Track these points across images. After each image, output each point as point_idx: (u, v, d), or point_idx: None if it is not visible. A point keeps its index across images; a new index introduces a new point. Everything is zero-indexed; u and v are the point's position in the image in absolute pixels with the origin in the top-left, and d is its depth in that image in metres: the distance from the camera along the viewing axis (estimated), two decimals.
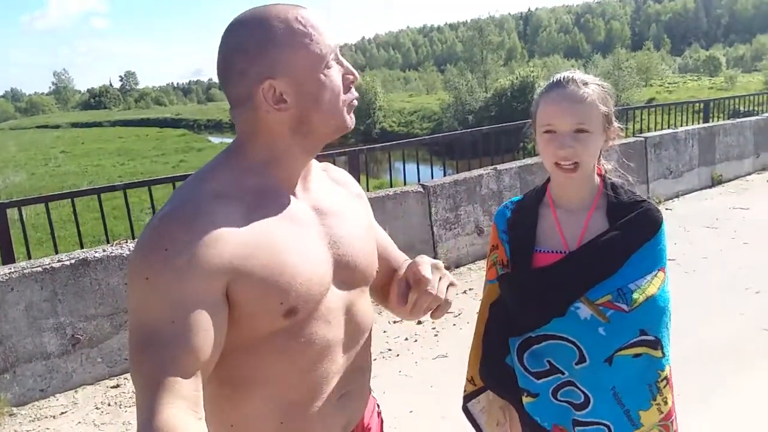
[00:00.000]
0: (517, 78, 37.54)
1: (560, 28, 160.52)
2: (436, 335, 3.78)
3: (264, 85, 0.90)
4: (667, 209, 6.37)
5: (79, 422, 3.06)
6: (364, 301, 1.08)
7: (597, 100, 1.19)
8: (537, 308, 1.25)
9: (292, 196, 0.98)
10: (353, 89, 0.99)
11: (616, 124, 1.25)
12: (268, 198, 0.94)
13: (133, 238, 4.03)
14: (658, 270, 1.23)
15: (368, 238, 1.10)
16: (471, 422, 1.46)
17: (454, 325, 3.92)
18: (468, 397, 1.45)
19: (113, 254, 3.41)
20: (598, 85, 1.23)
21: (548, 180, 1.33)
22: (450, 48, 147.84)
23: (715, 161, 7.55)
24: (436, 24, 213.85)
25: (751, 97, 10.92)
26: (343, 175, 1.16)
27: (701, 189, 7.33)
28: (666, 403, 1.21)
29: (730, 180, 7.67)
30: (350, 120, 0.99)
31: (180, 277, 0.82)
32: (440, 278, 1.01)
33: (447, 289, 1.02)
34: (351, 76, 0.97)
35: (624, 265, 1.21)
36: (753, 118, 8.27)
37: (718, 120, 9.02)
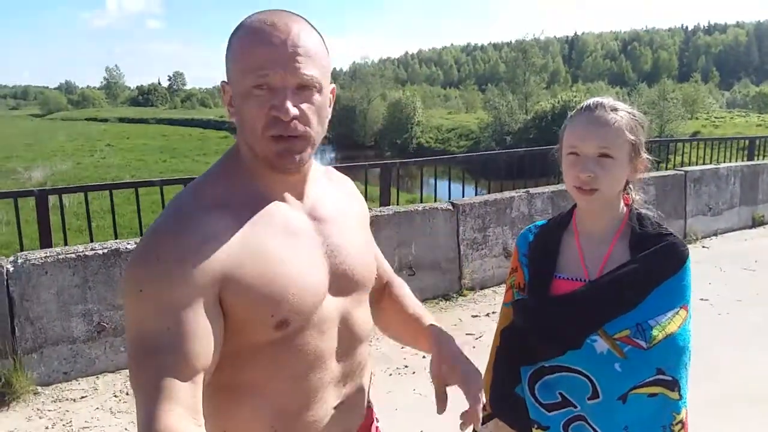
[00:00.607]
0: (558, 102, 37.16)
1: (606, 54, 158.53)
2: None
3: (224, 85, 0.96)
4: (704, 247, 6.20)
5: (97, 408, 3.13)
6: (361, 309, 1.07)
7: (624, 127, 1.17)
8: (553, 339, 1.23)
9: (287, 205, 0.97)
10: (280, 126, 0.89)
11: (645, 155, 1.22)
12: (262, 208, 0.94)
13: None
14: (680, 307, 1.19)
15: (367, 245, 1.10)
16: None
17: (474, 347, 3.87)
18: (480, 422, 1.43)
19: None
20: (629, 113, 1.20)
21: (575, 206, 1.31)
22: (492, 68, 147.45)
23: (757, 201, 7.31)
24: (480, 43, 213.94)
25: None
26: (342, 179, 1.16)
27: (741, 229, 7.10)
28: None
29: None
30: (275, 155, 0.91)
31: (173, 286, 0.83)
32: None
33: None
34: (274, 113, 0.89)
35: (645, 300, 1.18)
36: None
37: (763, 158, 8.75)
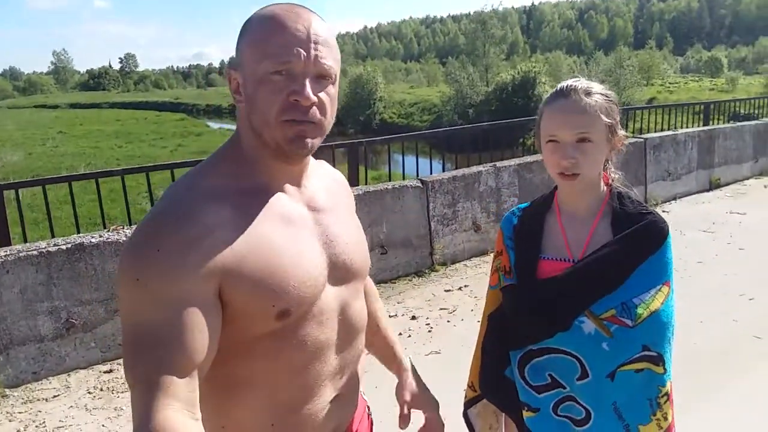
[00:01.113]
0: (518, 73, 37.38)
1: (563, 24, 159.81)
2: (429, 331, 3.80)
3: (231, 71, 0.95)
4: (664, 212, 6.38)
5: (71, 406, 3.06)
6: (359, 299, 1.08)
7: (600, 110, 1.19)
8: (542, 321, 1.24)
9: (286, 196, 0.97)
10: (298, 111, 0.90)
11: (621, 133, 1.24)
12: (262, 198, 0.94)
13: (130, 224, 4.02)
14: (663, 284, 1.22)
15: (362, 234, 1.11)
16: (468, 427, 1.46)
17: (448, 321, 3.93)
18: (468, 404, 1.45)
19: (109, 240, 3.40)
20: (602, 95, 1.21)
21: (556, 187, 1.33)
22: (452, 40, 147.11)
23: (713, 164, 7.56)
24: (439, 15, 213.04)
25: (752, 101, 10.92)
26: (332, 170, 1.17)
27: (699, 192, 7.35)
28: (666, 418, 1.21)
29: (728, 184, 7.69)
30: (287, 140, 0.91)
31: (172, 277, 0.81)
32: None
33: None
34: (294, 98, 0.89)
35: (629, 278, 1.20)
36: (753, 123, 8.27)
37: (718, 122, 9.02)
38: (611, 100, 1.22)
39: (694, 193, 7.29)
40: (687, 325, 3.56)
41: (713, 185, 7.51)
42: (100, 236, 3.41)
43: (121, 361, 3.45)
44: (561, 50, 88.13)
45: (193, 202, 0.88)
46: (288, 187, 0.98)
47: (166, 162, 4.63)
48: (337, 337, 1.01)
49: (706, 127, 7.95)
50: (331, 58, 0.92)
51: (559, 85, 1.24)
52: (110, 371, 3.38)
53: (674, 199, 7.06)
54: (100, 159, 22.86)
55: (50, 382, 3.26)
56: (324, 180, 1.08)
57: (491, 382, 1.37)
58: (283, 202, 0.96)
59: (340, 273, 1.01)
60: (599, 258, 1.22)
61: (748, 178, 7.99)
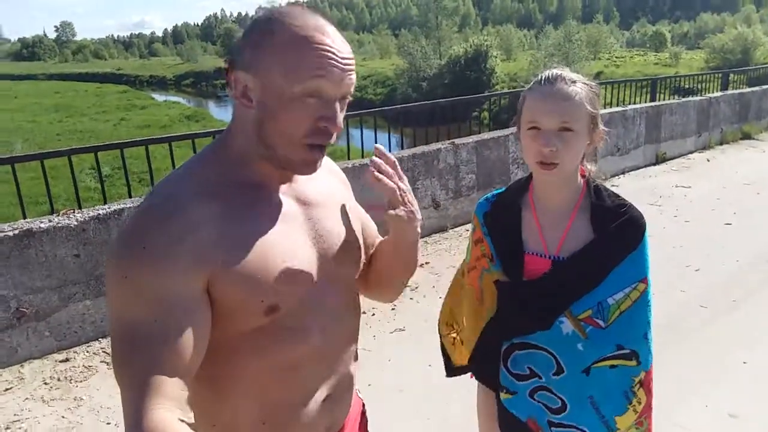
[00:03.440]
0: (471, 46, 37.52)
1: None
2: (393, 309, 3.83)
3: (238, 73, 0.89)
4: (613, 186, 6.60)
5: (27, 398, 2.95)
6: (350, 296, 1.07)
7: (584, 99, 1.17)
8: (524, 320, 1.26)
9: (275, 191, 0.96)
10: (325, 136, 0.90)
11: (601, 126, 1.23)
12: (252, 194, 0.93)
13: (79, 207, 3.85)
14: (639, 281, 1.23)
15: (356, 229, 1.08)
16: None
17: (411, 299, 3.98)
18: (458, 370, 1.49)
19: (60, 225, 3.25)
20: (586, 84, 1.20)
21: (530, 177, 1.31)
22: (405, 11, 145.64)
23: (660, 139, 7.84)
24: None
25: (695, 76, 11.35)
26: (330, 162, 1.15)
27: (646, 166, 7.62)
28: (640, 402, 1.25)
29: (673, 158, 8.00)
30: (303, 162, 0.91)
31: (160, 274, 0.81)
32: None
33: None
34: (323, 124, 0.89)
35: (607, 277, 1.21)
36: (696, 98, 8.60)
37: (663, 97, 9.34)
38: (594, 91, 1.21)
39: (641, 167, 7.56)
40: None
41: (660, 159, 7.81)
42: (50, 221, 3.25)
43: (78, 348, 3.35)
44: (512, 23, 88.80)
45: (181, 197, 0.87)
46: (278, 182, 0.97)
47: (117, 141, 4.42)
48: (327, 334, 1.00)
49: (653, 103, 8.20)
50: (354, 77, 0.92)
51: (543, 73, 1.22)
52: (67, 360, 3.27)
53: (623, 173, 7.30)
54: (39, 134, 21.72)
55: (1, 375, 3.13)
56: (318, 173, 1.05)
57: (482, 367, 1.40)
58: (272, 198, 0.95)
59: (331, 268, 1.00)
60: (581, 258, 1.22)
61: (692, 152, 8.34)
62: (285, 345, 0.94)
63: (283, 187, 0.97)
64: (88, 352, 3.34)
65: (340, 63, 0.88)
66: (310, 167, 0.93)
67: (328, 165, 1.13)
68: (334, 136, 0.92)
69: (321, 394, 1.01)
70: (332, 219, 1.02)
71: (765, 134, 9.60)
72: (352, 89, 0.93)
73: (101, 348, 3.38)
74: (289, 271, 0.91)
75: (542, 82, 1.20)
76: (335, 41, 0.89)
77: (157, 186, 0.91)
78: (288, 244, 0.93)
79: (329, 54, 0.87)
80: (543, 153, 1.17)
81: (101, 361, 3.25)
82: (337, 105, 0.90)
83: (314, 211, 1.00)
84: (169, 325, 0.80)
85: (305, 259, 0.95)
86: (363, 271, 1.12)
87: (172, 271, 0.81)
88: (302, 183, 1.00)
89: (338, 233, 1.02)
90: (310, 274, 0.96)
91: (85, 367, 3.20)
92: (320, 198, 1.02)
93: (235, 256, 0.86)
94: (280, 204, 0.95)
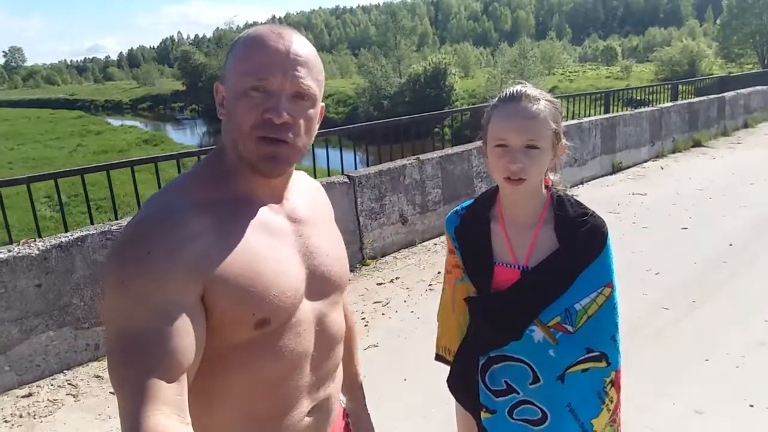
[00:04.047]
0: (430, 64, 38.14)
1: (470, 16, 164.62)
2: (366, 325, 3.83)
3: (218, 85, 0.97)
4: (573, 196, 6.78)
5: None
6: (336, 312, 1.09)
7: (548, 117, 1.21)
8: (496, 331, 1.29)
9: (267, 207, 0.98)
10: (272, 128, 0.91)
11: (564, 140, 1.26)
12: (243, 208, 0.95)
13: (39, 236, 3.74)
14: (605, 286, 1.28)
15: (341, 246, 1.12)
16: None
17: (383, 314, 3.99)
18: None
19: (20, 255, 3.15)
20: (549, 101, 1.24)
21: (497, 189, 1.33)
22: (363, 31, 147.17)
23: (615, 149, 8.11)
24: (349, 6, 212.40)
25: (645, 88, 11.84)
26: (314, 181, 1.18)
27: (603, 176, 7.87)
28: (612, 401, 1.30)
29: (629, 167, 8.29)
30: (259, 158, 0.92)
31: (158, 281, 0.81)
32: None
33: None
34: (268, 116, 0.91)
35: (573, 284, 1.25)
36: (648, 109, 8.95)
37: (616, 109, 9.68)
38: (557, 107, 1.25)
39: (599, 177, 7.80)
40: None
41: (616, 168, 8.07)
42: (9, 251, 3.16)
43: (41, 383, 3.23)
44: (468, 42, 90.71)
45: (177, 208, 0.88)
46: (269, 198, 0.99)
47: (79, 167, 4.32)
48: (315, 349, 1.01)
49: (608, 115, 8.50)
50: (310, 78, 0.94)
51: (507, 90, 1.25)
52: (29, 395, 3.15)
53: (581, 183, 7.51)
54: None
55: None
56: (306, 192, 1.09)
57: (459, 385, 1.42)
58: (264, 213, 0.97)
59: (318, 285, 1.02)
60: (547, 267, 1.25)
61: (646, 161, 8.66)
62: (273, 360, 0.95)
63: (275, 205, 1.00)
64: (52, 385, 3.23)
65: (284, 57, 0.91)
66: (269, 162, 0.93)
67: (314, 184, 1.17)
68: (288, 132, 0.92)
69: (307, 406, 1.02)
70: (321, 236, 1.05)
71: (714, 141, 10.04)
72: (304, 87, 0.93)
73: (66, 380, 3.27)
74: (280, 286, 0.93)
75: (506, 99, 1.23)
76: (285, 40, 0.93)
77: (152, 198, 0.93)
78: (279, 259, 0.94)
79: (274, 49, 0.92)
80: (510, 169, 1.19)
81: (67, 394, 3.15)
82: (284, 99, 0.91)
83: (304, 229, 1.02)
84: (166, 330, 0.80)
85: (295, 275, 0.97)
86: None
87: (171, 277, 0.82)
88: (293, 200, 1.03)
89: (326, 251, 1.05)
90: (300, 289, 0.98)
91: (50, 401, 3.09)
92: (310, 215, 1.05)
93: (229, 268, 0.88)
94: (271, 219, 0.97)
